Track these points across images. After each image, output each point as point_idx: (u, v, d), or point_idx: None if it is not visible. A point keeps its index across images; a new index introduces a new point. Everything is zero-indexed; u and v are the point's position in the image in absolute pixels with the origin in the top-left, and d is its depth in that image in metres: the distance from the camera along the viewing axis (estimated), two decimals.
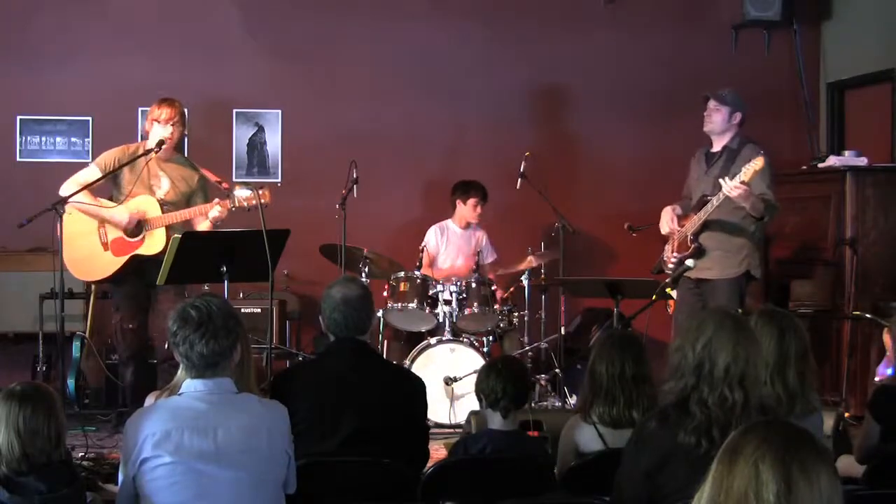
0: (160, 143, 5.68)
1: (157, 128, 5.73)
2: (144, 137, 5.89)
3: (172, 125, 5.73)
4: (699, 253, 5.61)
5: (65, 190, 5.57)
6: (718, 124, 5.77)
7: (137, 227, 5.65)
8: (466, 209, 6.99)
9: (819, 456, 1.84)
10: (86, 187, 5.55)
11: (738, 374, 2.83)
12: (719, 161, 5.76)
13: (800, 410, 3.36)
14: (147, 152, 5.69)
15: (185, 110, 5.86)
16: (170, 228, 5.61)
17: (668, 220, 5.85)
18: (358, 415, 3.46)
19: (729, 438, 1.91)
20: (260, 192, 5.37)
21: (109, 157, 5.78)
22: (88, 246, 5.70)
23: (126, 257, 5.65)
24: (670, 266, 5.76)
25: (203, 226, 5.67)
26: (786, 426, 1.90)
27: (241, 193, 5.44)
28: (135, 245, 5.65)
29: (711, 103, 5.78)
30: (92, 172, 5.71)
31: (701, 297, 5.72)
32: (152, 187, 5.73)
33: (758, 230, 5.71)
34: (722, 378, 2.83)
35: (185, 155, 6.33)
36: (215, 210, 5.54)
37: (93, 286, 6.44)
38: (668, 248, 5.87)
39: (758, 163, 5.26)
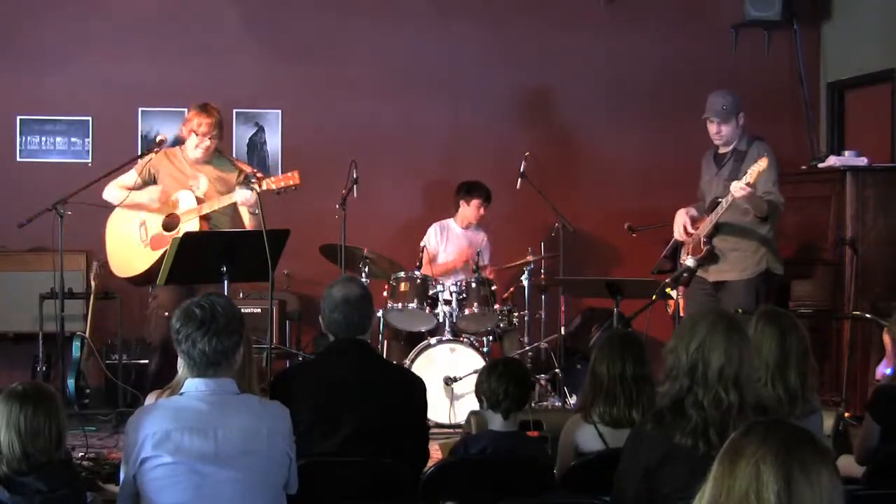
0: (160, 143, 5.70)
1: (195, 138, 5.72)
2: (181, 142, 5.89)
3: (210, 139, 5.73)
4: (712, 256, 5.61)
5: (108, 193, 5.71)
6: (730, 135, 5.77)
7: (173, 222, 5.67)
8: (469, 210, 6.99)
9: (820, 456, 1.84)
10: (111, 177, 5.65)
11: (732, 374, 2.83)
12: (728, 162, 5.76)
13: (800, 412, 3.36)
14: (148, 152, 5.71)
15: (220, 118, 5.81)
16: (207, 220, 5.60)
17: (680, 226, 5.84)
18: (358, 415, 3.46)
19: (730, 438, 1.91)
20: (290, 173, 5.43)
21: (144, 160, 5.81)
22: (129, 243, 5.78)
23: (162, 251, 5.64)
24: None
25: (245, 217, 5.70)
26: (787, 426, 1.90)
27: (242, 194, 5.43)
28: (170, 238, 5.65)
29: (715, 120, 5.74)
30: (131, 176, 5.79)
31: (715, 298, 5.71)
32: (191, 188, 5.74)
33: (771, 228, 5.71)
34: (716, 379, 2.83)
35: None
36: (242, 195, 5.48)
37: (93, 286, 6.43)
38: (683, 251, 5.87)
39: (762, 164, 5.27)
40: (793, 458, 1.81)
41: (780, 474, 1.80)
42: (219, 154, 5.91)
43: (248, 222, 5.71)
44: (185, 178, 5.75)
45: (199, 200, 5.67)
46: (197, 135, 5.71)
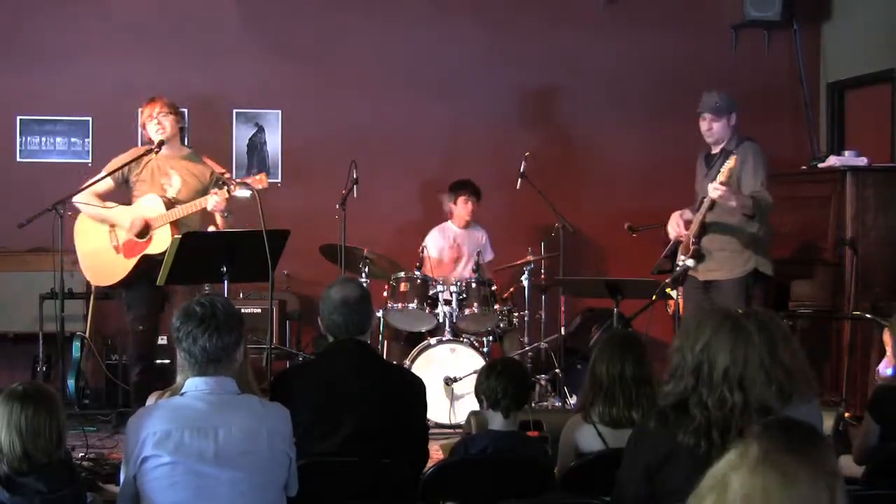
0: (160, 144, 5.69)
1: (150, 126, 5.74)
2: (147, 142, 5.88)
3: (163, 117, 5.71)
4: (699, 256, 5.62)
5: (77, 197, 5.64)
6: (720, 133, 5.79)
7: (145, 228, 5.65)
8: (459, 208, 7.00)
9: (801, 460, 1.88)
10: (87, 186, 5.61)
11: (737, 375, 2.83)
12: (717, 163, 5.78)
13: (799, 399, 3.35)
14: (147, 152, 5.70)
15: (170, 102, 5.80)
16: (177, 225, 5.56)
17: (674, 225, 5.86)
18: (358, 415, 3.46)
19: (728, 460, 1.93)
20: (257, 176, 5.40)
21: (117, 160, 5.78)
22: (102, 251, 5.72)
23: (136, 258, 5.64)
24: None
25: (216, 220, 5.65)
26: (771, 441, 1.92)
27: (242, 193, 5.43)
28: (143, 245, 5.64)
29: (707, 116, 5.79)
30: (99, 176, 5.75)
31: (708, 297, 5.74)
32: (163, 186, 5.71)
33: (761, 228, 5.72)
34: (721, 380, 2.83)
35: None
36: (212, 201, 5.47)
37: (93, 286, 6.43)
38: (679, 251, 5.88)
39: (729, 163, 5.35)
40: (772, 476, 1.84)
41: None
42: (191, 152, 5.89)
43: (219, 224, 5.66)
44: (157, 176, 5.71)
45: (169, 202, 5.63)
46: (152, 119, 5.72)
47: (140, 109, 5.83)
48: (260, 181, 5.36)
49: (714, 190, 5.36)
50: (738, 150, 5.67)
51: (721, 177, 5.33)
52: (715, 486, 1.91)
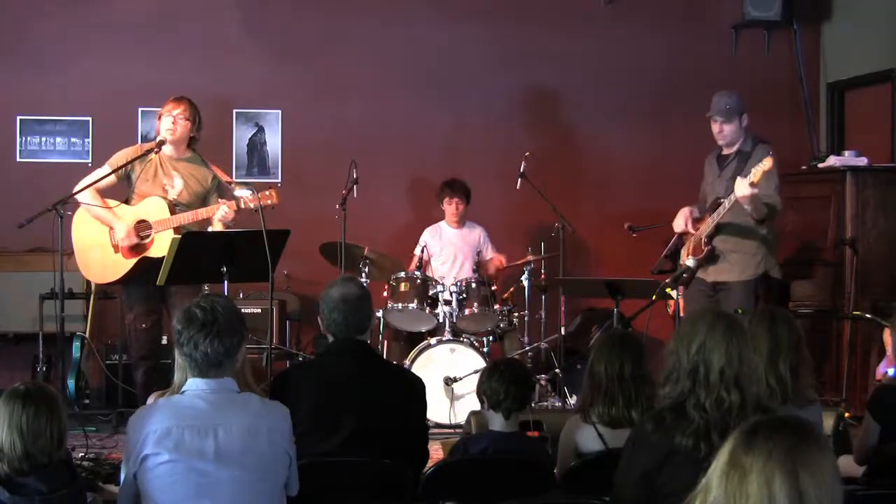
0: (160, 143, 5.68)
1: (165, 121, 5.73)
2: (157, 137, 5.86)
3: (181, 120, 5.70)
4: (712, 256, 5.60)
5: (81, 196, 5.62)
6: (733, 135, 5.76)
7: (146, 229, 5.64)
8: (448, 207, 7.00)
9: (820, 452, 1.89)
10: (91, 185, 5.60)
11: (733, 375, 2.83)
12: (732, 163, 5.77)
13: (793, 404, 3.36)
14: (148, 152, 5.70)
15: (196, 109, 5.81)
16: (179, 231, 5.54)
17: (683, 219, 5.83)
18: (358, 415, 3.46)
19: (731, 449, 1.92)
20: (268, 192, 5.36)
21: (121, 155, 5.76)
22: (100, 248, 5.70)
23: (135, 259, 5.63)
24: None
25: (216, 228, 5.62)
26: (787, 431, 1.91)
27: (242, 193, 5.42)
28: (144, 247, 5.63)
29: (718, 119, 5.75)
30: (102, 171, 5.73)
31: (714, 298, 5.71)
32: (165, 187, 5.70)
33: (771, 231, 5.71)
34: (717, 381, 2.83)
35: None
36: (221, 211, 5.47)
37: (93, 286, 6.43)
38: (683, 251, 5.86)
39: (766, 163, 5.27)
40: (800, 466, 1.85)
41: (792, 492, 1.84)
42: (194, 155, 5.85)
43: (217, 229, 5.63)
44: (159, 176, 5.70)
45: (171, 205, 5.61)
46: (169, 116, 5.71)
47: (165, 102, 5.80)
48: (269, 197, 5.34)
49: (745, 188, 5.26)
50: (757, 151, 5.64)
51: (753, 177, 5.25)
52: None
